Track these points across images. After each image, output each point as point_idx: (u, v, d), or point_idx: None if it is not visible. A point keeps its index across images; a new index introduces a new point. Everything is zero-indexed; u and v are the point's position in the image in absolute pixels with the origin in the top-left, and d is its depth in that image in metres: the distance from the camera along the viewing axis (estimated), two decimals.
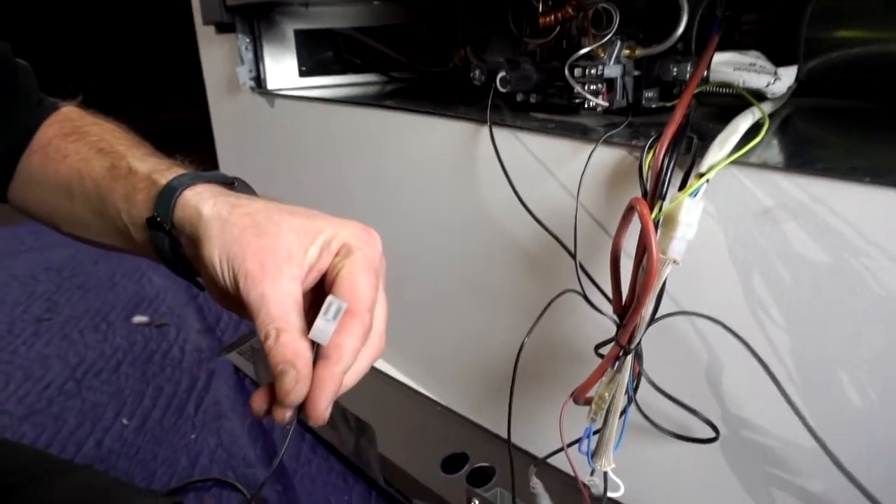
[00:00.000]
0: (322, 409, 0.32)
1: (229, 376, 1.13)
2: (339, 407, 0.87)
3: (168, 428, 1.02)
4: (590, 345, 0.59)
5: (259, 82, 1.05)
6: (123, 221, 0.41)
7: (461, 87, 0.95)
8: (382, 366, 0.96)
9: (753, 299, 0.47)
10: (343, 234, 0.36)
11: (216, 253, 0.35)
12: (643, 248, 0.48)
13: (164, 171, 0.41)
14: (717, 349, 0.51)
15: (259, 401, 0.33)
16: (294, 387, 0.31)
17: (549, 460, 0.71)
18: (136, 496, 0.54)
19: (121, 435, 1.01)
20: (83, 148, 0.46)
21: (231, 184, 0.43)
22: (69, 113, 0.51)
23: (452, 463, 0.77)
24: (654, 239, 0.45)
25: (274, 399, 0.32)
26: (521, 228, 0.65)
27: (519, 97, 0.66)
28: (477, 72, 0.64)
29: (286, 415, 0.32)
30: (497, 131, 0.63)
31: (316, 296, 0.36)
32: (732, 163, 0.45)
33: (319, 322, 0.32)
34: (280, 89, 1.03)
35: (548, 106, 0.65)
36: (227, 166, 1.31)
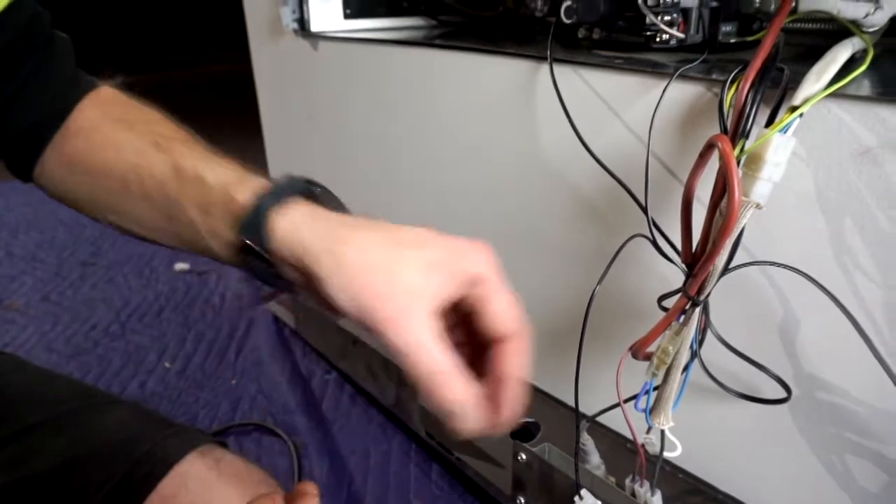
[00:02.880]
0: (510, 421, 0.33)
1: (269, 325, 1.12)
2: (380, 358, 0.86)
3: (209, 373, 1.02)
4: (650, 299, 0.55)
5: (302, 24, 1.01)
6: (200, 231, 0.39)
7: (512, 32, 0.90)
8: None
9: (843, 249, 0.43)
10: (463, 263, 0.34)
11: (341, 297, 0.33)
12: (721, 191, 0.44)
13: (236, 182, 0.38)
14: (795, 303, 0.47)
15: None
16: (470, 421, 0.32)
17: (600, 420, 0.68)
18: (183, 432, 0.54)
19: (163, 378, 1.02)
20: (136, 139, 0.43)
21: (312, 193, 0.39)
22: (111, 95, 0.48)
23: None
24: (738, 178, 0.41)
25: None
26: (582, 175, 0.61)
27: (581, 33, 0.61)
28: (539, 1, 0.59)
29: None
30: (557, 69, 0.59)
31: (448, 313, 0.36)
32: (830, 95, 0.41)
33: None
34: (324, 32, 1.00)
35: (611, 43, 0.60)
36: (268, 114, 1.28)
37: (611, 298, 0.62)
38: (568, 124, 0.57)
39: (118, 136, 0.44)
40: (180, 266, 1.40)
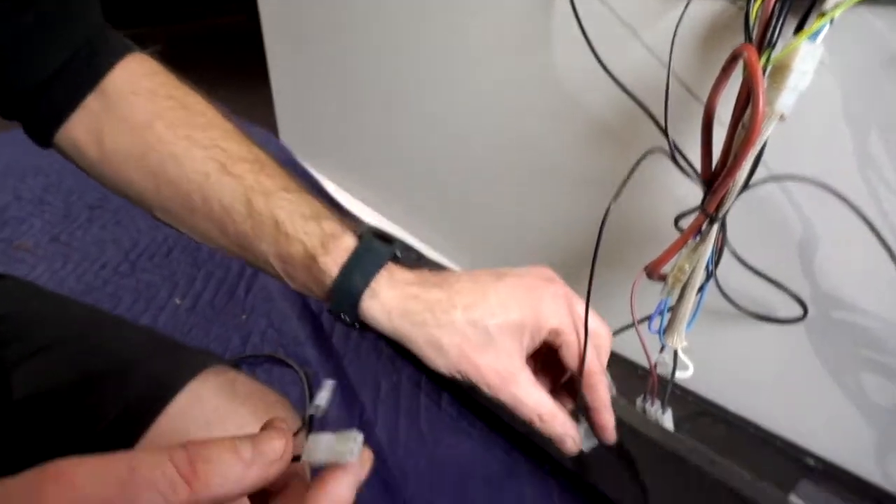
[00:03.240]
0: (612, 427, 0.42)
1: None
2: None
3: (220, 308, 1.03)
4: (665, 222, 0.55)
5: None
6: (279, 274, 0.41)
7: None
8: (441, 258, 0.94)
9: (868, 162, 0.42)
10: (544, 320, 0.39)
11: (446, 372, 0.38)
12: (745, 104, 0.44)
13: (318, 245, 0.38)
14: (815, 220, 0.47)
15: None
16: (575, 445, 0.40)
17: (612, 347, 0.69)
18: (197, 353, 0.54)
19: (174, 313, 1.03)
20: (199, 157, 0.40)
21: (395, 255, 0.40)
22: (152, 67, 0.43)
23: None
24: (763, 86, 0.40)
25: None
26: (600, 98, 0.60)
27: None
28: None
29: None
30: None
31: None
32: (861, 2, 0.39)
33: None
34: None
35: None
36: (276, 62, 1.26)
37: (625, 222, 0.62)
38: (586, 47, 0.55)
39: (178, 144, 0.40)
40: None
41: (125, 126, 0.41)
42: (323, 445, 0.25)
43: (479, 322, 0.38)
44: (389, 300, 0.38)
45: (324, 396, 0.30)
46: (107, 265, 1.18)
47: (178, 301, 1.06)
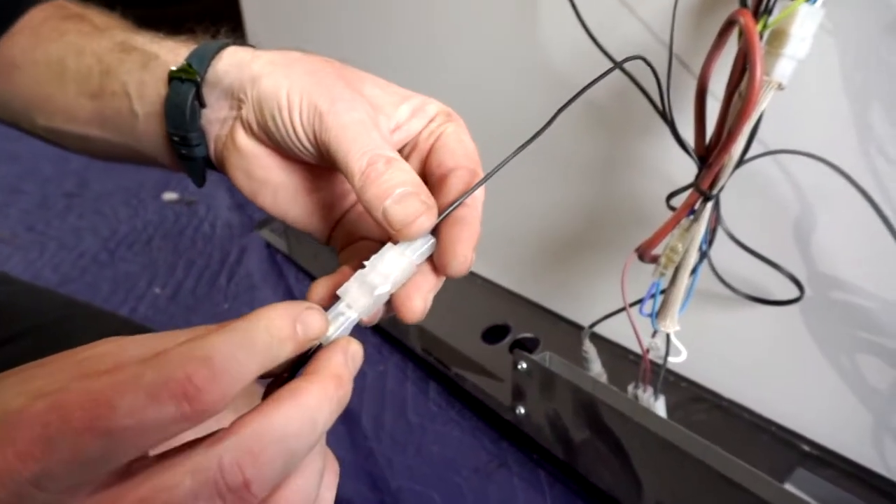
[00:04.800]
0: (470, 257, 0.26)
1: (261, 250, 1.10)
2: None
3: (201, 297, 1.00)
4: (655, 200, 0.53)
5: None
6: (127, 96, 0.35)
7: None
8: None
9: (869, 135, 0.40)
10: (436, 104, 0.31)
11: (284, 85, 0.29)
12: (740, 73, 0.41)
13: (189, 43, 0.34)
14: (812, 197, 0.45)
15: (321, 290, 0.27)
16: (423, 212, 0.25)
17: (601, 332, 0.67)
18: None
19: (154, 303, 1.00)
20: (86, 27, 0.39)
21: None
22: (64, 2, 0.43)
23: (494, 334, 0.74)
24: (760, 52, 0.38)
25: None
26: (590, 73, 0.57)
27: None
28: None
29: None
30: None
31: None
32: None
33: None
34: None
35: None
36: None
37: (615, 202, 0.59)
38: (576, 20, 0.53)
39: (67, 25, 0.39)
40: (168, 196, 1.37)
41: (23, 36, 0.40)
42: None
43: (352, 68, 0.31)
44: (246, 52, 0.32)
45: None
46: (85, 254, 1.15)
47: (157, 290, 1.03)
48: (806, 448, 0.52)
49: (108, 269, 1.10)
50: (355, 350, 0.23)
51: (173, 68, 0.32)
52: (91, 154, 0.40)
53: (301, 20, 0.98)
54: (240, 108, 0.31)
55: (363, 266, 0.25)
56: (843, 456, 0.50)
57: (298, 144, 0.29)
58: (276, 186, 0.32)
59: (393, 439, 0.72)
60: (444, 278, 0.28)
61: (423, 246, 0.26)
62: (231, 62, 0.31)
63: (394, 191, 0.25)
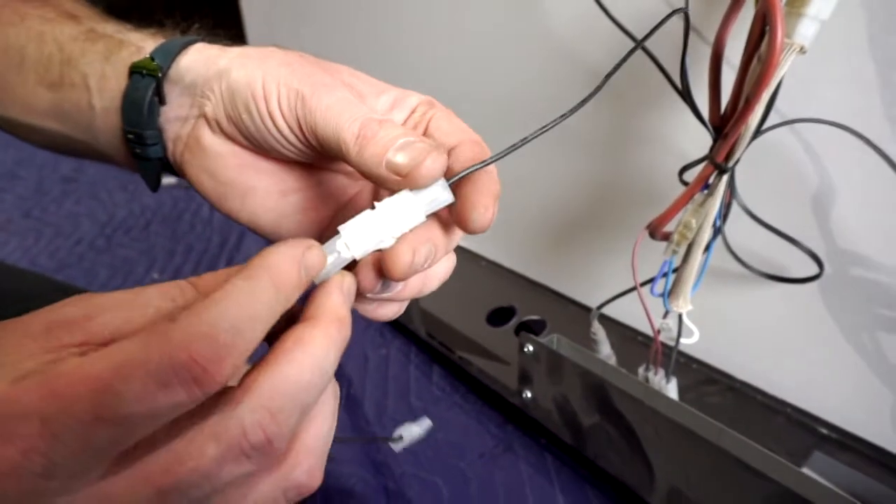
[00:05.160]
0: (492, 209, 0.24)
1: (261, 237, 1.08)
2: None
3: None
4: (667, 174, 0.51)
5: None
6: (87, 89, 0.33)
7: None
8: None
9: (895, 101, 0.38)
10: (417, 96, 0.29)
11: (258, 75, 0.27)
12: (759, 37, 0.39)
13: (156, 36, 0.32)
14: (833, 169, 0.43)
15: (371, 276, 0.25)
16: (430, 151, 0.23)
17: (610, 314, 0.65)
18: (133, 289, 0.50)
19: None
20: (50, 12, 0.36)
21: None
22: None
23: (499, 316, 0.72)
24: (782, 12, 0.35)
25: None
26: (599, 47, 0.55)
27: None
28: None
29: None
30: None
31: None
32: None
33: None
34: None
35: None
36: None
37: (626, 177, 0.57)
38: None
39: (28, 10, 0.36)
40: (167, 180, 1.34)
41: None
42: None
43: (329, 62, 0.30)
44: (212, 49, 0.30)
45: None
46: (82, 240, 1.13)
47: (156, 276, 1.01)
48: (823, 431, 0.51)
49: (106, 255, 1.08)
50: (349, 285, 0.23)
51: (135, 61, 0.30)
52: (49, 148, 0.38)
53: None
54: (203, 106, 0.29)
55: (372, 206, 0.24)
56: (863, 438, 0.48)
57: (278, 135, 0.27)
58: (245, 188, 0.30)
59: (396, 424, 0.71)
60: (457, 237, 0.26)
61: (437, 195, 0.24)
62: (196, 58, 0.30)
63: (394, 142, 0.23)
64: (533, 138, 0.25)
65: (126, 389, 0.16)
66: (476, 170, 0.24)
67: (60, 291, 0.54)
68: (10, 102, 0.36)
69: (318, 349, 0.20)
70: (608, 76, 0.28)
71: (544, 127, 0.26)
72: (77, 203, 1.27)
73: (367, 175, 0.24)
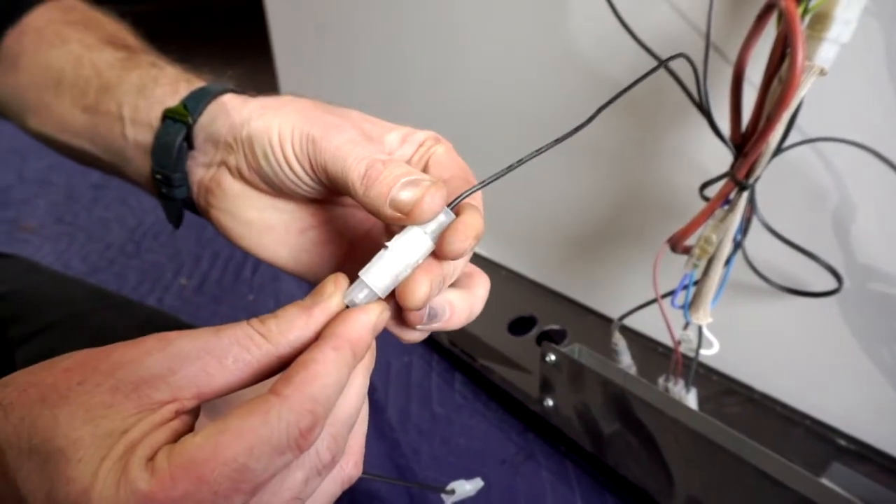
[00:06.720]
0: (470, 239, 0.25)
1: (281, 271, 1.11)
2: None
3: (226, 288, 1.01)
4: (688, 190, 0.52)
5: None
6: (121, 120, 0.35)
7: None
8: None
9: None
10: (424, 132, 0.31)
11: (275, 123, 0.29)
12: (779, 58, 0.40)
13: (200, 78, 0.34)
14: (852, 186, 0.44)
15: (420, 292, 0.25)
16: (430, 188, 0.25)
17: (631, 325, 0.66)
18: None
19: (180, 294, 1.01)
20: (90, 37, 0.39)
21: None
22: (73, 3, 0.43)
23: (520, 326, 0.74)
24: (802, 36, 0.36)
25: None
26: (619, 64, 0.56)
27: None
28: None
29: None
30: None
31: None
32: None
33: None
34: None
35: None
36: (278, 30, 1.23)
37: (647, 192, 0.58)
38: (606, 6, 0.52)
39: (71, 33, 0.39)
40: None
41: (27, 38, 0.41)
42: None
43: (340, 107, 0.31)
44: (242, 99, 0.32)
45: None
46: (112, 245, 1.17)
47: (183, 281, 1.04)
48: (842, 442, 0.51)
49: (135, 260, 1.11)
50: (381, 323, 0.25)
51: (168, 107, 0.32)
52: (77, 161, 0.40)
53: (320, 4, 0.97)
54: (227, 154, 0.31)
55: (385, 247, 0.25)
56: (882, 450, 0.49)
57: (293, 176, 0.29)
58: (263, 227, 0.32)
59: (419, 430, 0.72)
60: (447, 266, 0.27)
61: (440, 222, 0.25)
62: (223, 108, 0.31)
63: (397, 181, 0.25)
64: (547, 149, 0.27)
65: (258, 466, 0.20)
66: (476, 190, 0.27)
67: (99, 297, 0.56)
68: (46, 120, 0.39)
69: (361, 378, 0.24)
70: (622, 92, 0.29)
71: (541, 149, 0.28)
72: (107, 209, 1.31)
73: (374, 214, 0.26)
